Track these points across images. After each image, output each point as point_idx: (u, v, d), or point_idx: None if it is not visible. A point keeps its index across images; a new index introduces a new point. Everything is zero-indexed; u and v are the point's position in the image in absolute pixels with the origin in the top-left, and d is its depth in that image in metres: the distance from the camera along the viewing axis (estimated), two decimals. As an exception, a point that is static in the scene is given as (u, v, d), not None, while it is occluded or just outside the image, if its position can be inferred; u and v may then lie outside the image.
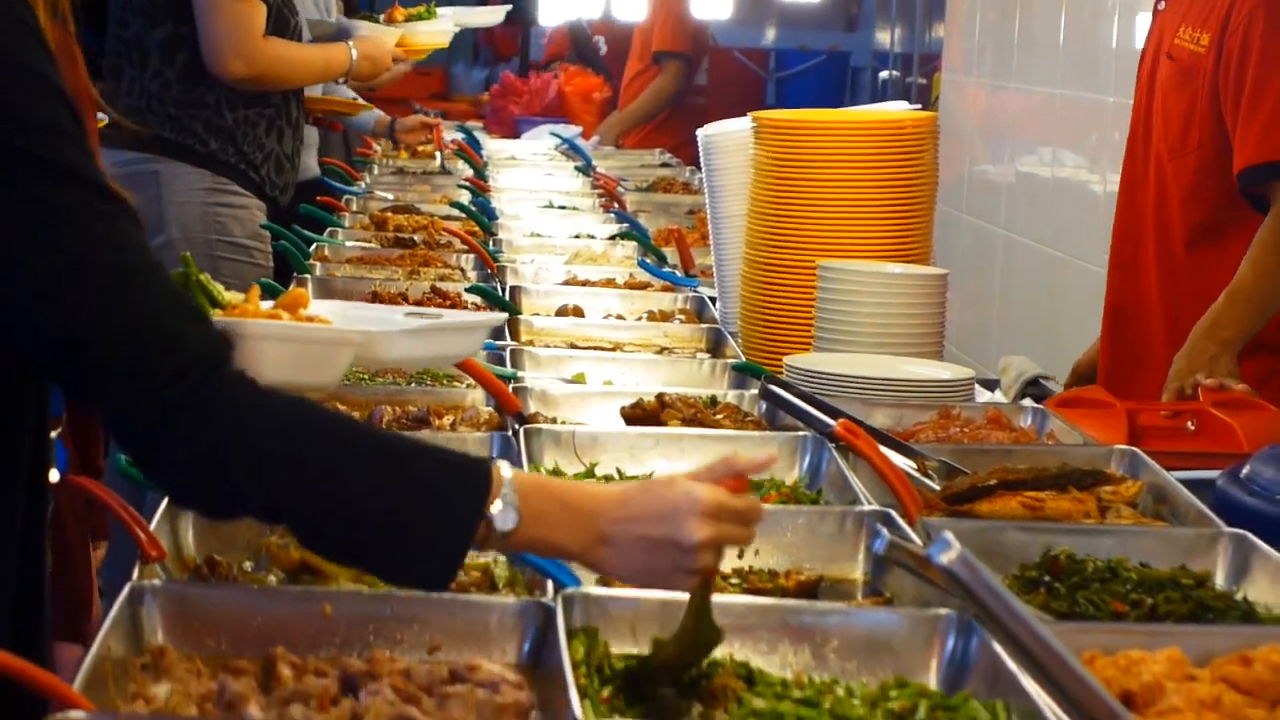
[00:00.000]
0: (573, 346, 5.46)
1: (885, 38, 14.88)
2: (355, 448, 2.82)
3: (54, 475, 3.14)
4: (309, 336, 3.25)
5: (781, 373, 4.74)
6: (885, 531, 3.38)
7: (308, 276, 6.10)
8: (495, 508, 2.81)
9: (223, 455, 2.74)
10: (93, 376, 2.74)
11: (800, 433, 4.25)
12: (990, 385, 5.41)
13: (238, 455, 2.74)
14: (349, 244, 7.03)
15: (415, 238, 7.18)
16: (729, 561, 3.61)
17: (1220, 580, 3.50)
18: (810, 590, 3.47)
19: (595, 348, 5.47)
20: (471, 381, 4.60)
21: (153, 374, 2.72)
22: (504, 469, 2.85)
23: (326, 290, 5.95)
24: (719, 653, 3.04)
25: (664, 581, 2.90)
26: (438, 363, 4.54)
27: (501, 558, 3.40)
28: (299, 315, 3.37)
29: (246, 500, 2.79)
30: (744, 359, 5.17)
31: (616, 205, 8.27)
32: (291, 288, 4.48)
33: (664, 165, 10.73)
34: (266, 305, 3.33)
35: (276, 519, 2.87)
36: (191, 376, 2.73)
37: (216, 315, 3.31)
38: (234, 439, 2.74)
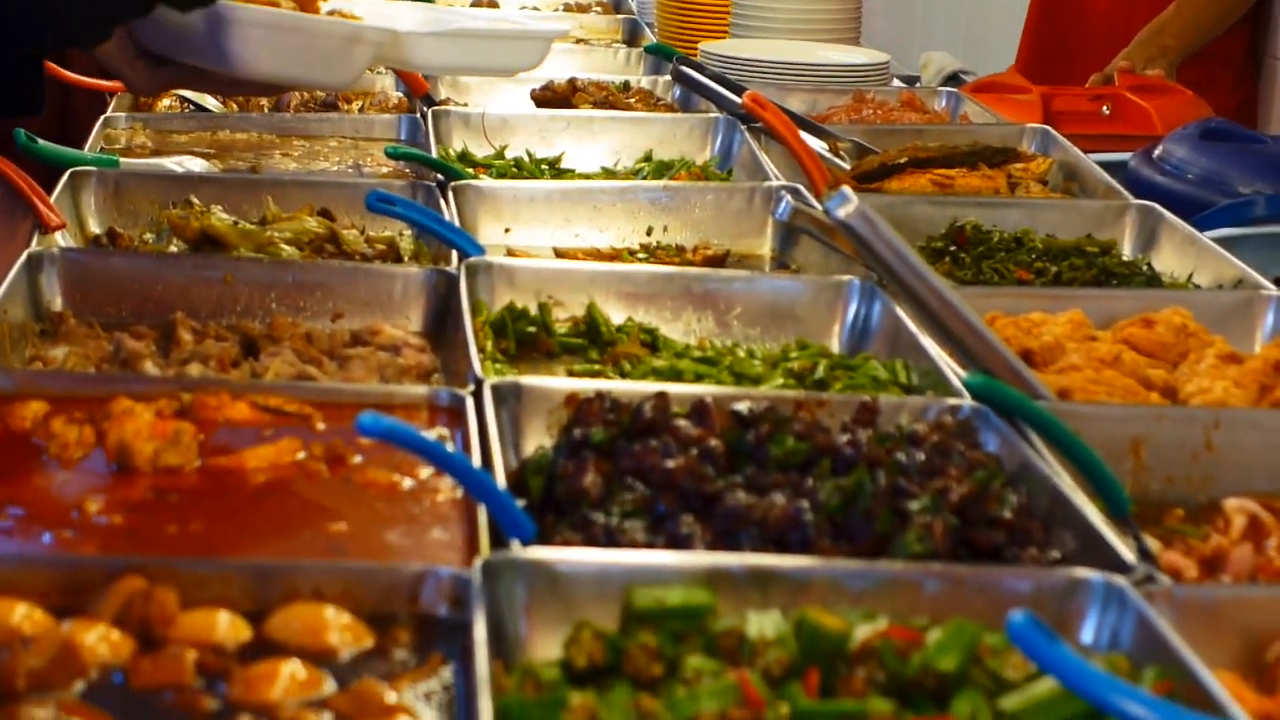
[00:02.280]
0: (486, 37, 5.37)
1: None
2: None
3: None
4: (311, 28, 3.02)
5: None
6: (789, 198, 3.36)
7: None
8: None
9: None
10: None
11: (712, 114, 4.22)
12: (911, 82, 5.37)
13: None
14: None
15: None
16: (635, 237, 3.60)
17: (1127, 250, 3.51)
18: (718, 264, 3.46)
19: (509, 38, 5.37)
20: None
21: None
22: None
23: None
24: (623, 320, 3.05)
25: None
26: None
27: (407, 231, 3.37)
28: (314, 7, 3.13)
29: None
30: (659, 46, 5.11)
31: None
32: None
33: None
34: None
35: None
36: None
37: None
38: None
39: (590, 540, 2.15)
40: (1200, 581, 2.18)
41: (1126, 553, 2.14)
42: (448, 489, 2.33)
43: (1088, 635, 2.01)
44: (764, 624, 1.92)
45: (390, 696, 1.84)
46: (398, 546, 2.19)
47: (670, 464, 2.23)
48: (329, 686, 1.87)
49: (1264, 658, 2.00)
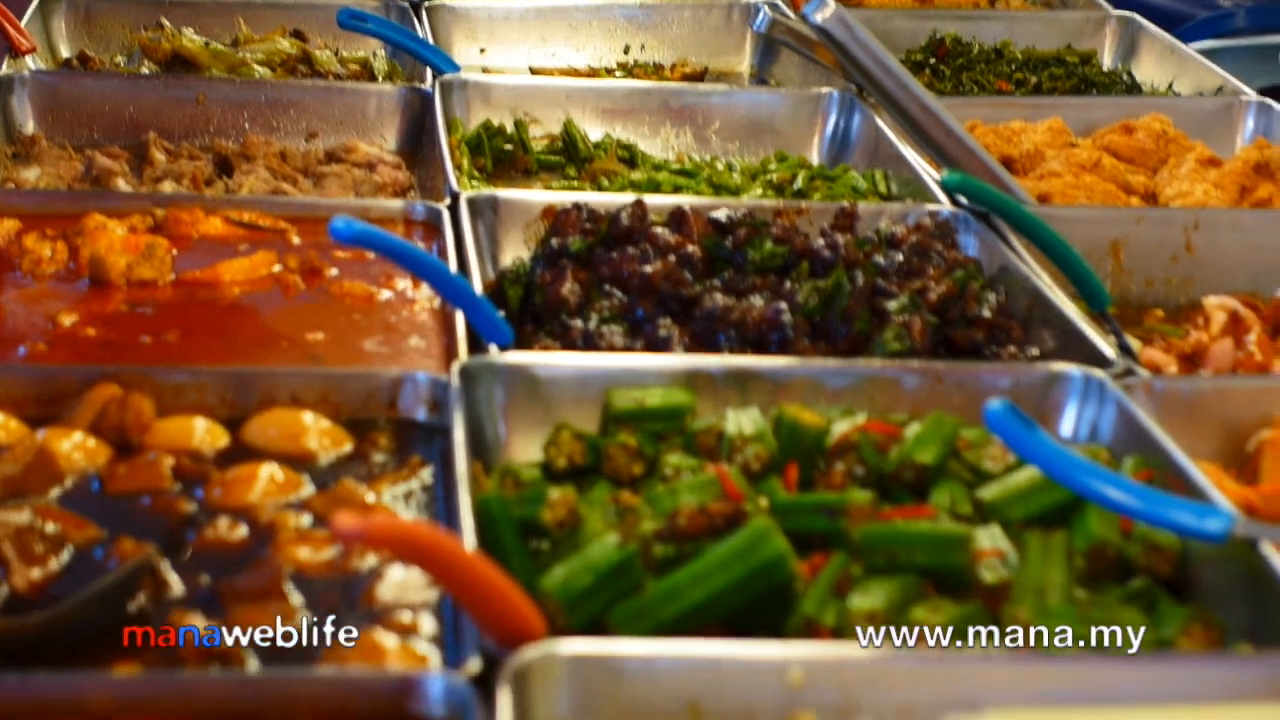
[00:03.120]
0: None
1: None
2: None
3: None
4: None
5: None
6: (767, 9, 3.32)
7: None
8: None
9: None
10: None
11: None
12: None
13: None
14: None
15: None
16: (612, 56, 3.56)
17: (1107, 61, 3.48)
18: (696, 81, 3.43)
19: None
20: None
21: None
22: None
23: None
24: (601, 136, 3.02)
25: None
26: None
27: (381, 50, 3.34)
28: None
29: None
30: None
31: None
32: None
33: None
34: None
35: None
36: None
37: None
38: None
39: (569, 345, 2.14)
40: (1180, 375, 2.17)
41: (1106, 348, 2.13)
42: (425, 299, 2.32)
43: (1067, 428, 2.01)
44: (742, 421, 1.91)
45: (369, 497, 1.84)
46: (375, 354, 2.18)
47: (648, 269, 2.21)
48: (307, 489, 1.86)
49: (1244, 448, 2.00)
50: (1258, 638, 1.62)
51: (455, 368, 2.01)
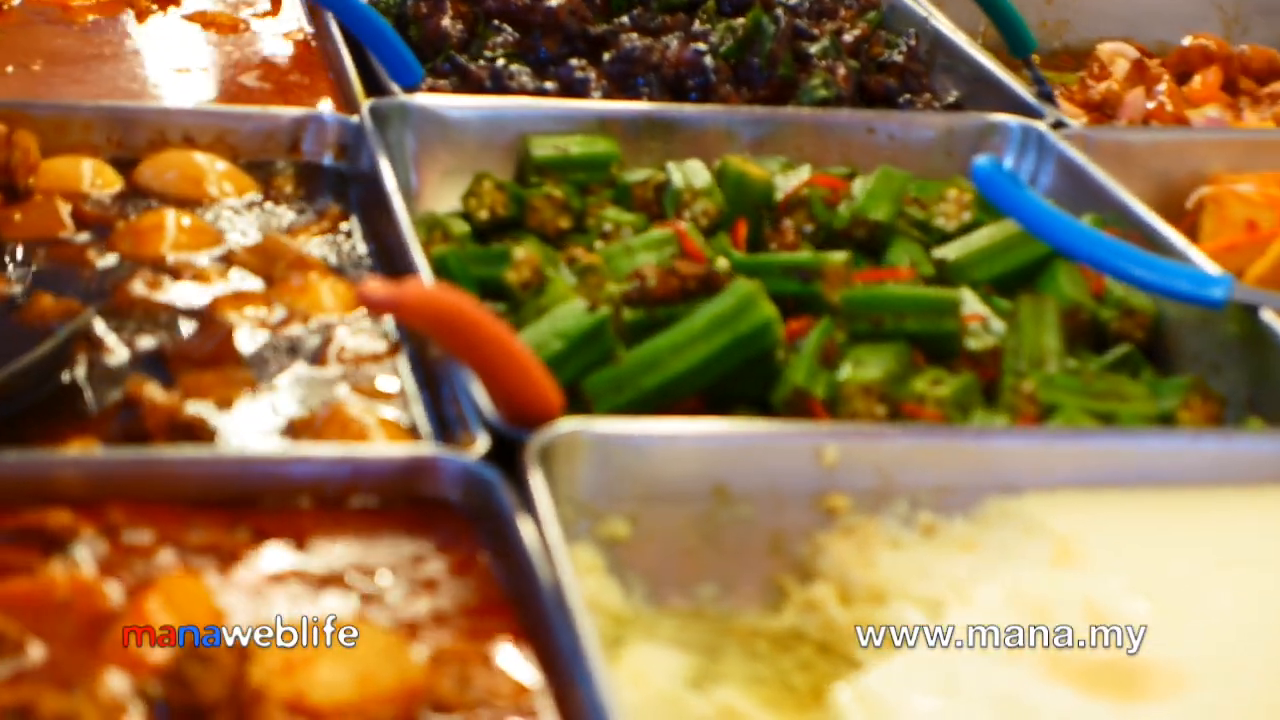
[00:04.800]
0: None
1: None
2: None
3: None
4: None
5: None
6: None
7: None
8: None
9: None
10: None
11: None
12: None
13: None
14: None
15: None
16: None
17: None
18: None
19: None
20: None
21: None
22: None
23: None
24: None
25: None
26: None
27: None
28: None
29: None
30: None
31: None
32: None
33: None
34: None
35: None
36: None
37: None
38: None
39: (470, 88, 1.99)
40: (1113, 125, 2.10)
41: (1028, 96, 2.04)
42: (295, 30, 2.15)
43: (1007, 182, 1.92)
44: (689, 173, 1.79)
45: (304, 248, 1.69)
46: (258, 91, 2.01)
47: (552, 3, 2.07)
48: (233, 239, 1.70)
49: (1181, 204, 1.94)
50: (1260, 409, 1.57)
51: (365, 108, 1.86)
